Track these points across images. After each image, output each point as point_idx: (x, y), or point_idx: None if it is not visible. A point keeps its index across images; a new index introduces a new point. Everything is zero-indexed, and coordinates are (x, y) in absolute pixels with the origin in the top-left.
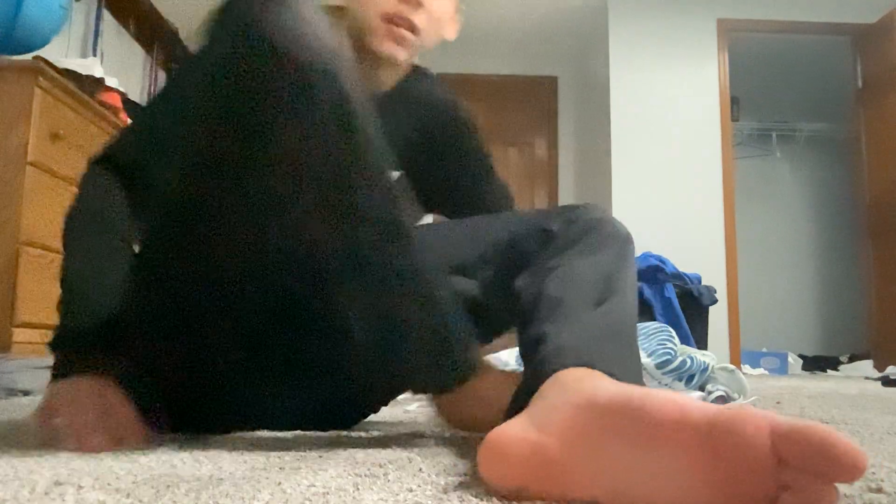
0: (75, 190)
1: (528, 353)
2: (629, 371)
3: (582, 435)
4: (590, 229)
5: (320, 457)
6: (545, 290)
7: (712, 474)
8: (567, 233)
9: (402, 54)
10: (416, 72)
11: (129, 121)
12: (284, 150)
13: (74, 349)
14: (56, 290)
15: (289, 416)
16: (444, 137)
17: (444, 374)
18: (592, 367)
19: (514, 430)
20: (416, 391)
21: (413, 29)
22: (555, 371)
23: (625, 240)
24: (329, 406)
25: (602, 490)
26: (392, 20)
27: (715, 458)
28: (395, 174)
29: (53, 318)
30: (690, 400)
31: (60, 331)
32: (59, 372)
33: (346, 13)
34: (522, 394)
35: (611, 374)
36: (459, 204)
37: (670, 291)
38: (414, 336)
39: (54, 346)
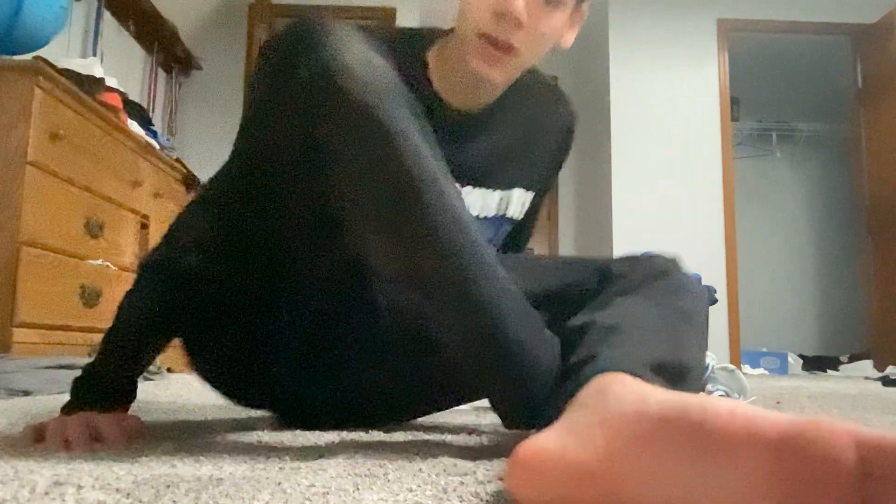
0: (76, 190)
1: (571, 373)
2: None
3: (630, 449)
4: (657, 275)
5: (320, 457)
6: (597, 319)
7: (787, 493)
8: (631, 275)
9: (496, 76)
10: (539, 82)
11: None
12: (338, 183)
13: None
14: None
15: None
16: (552, 160)
17: (513, 411)
18: (640, 377)
19: (550, 443)
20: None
21: (509, 50)
22: (596, 375)
23: (696, 294)
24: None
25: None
26: (486, 40)
27: (791, 476)
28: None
29: (53, 318)
30: (757, 410)
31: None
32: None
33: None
34: (558, 399)
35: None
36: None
37: None
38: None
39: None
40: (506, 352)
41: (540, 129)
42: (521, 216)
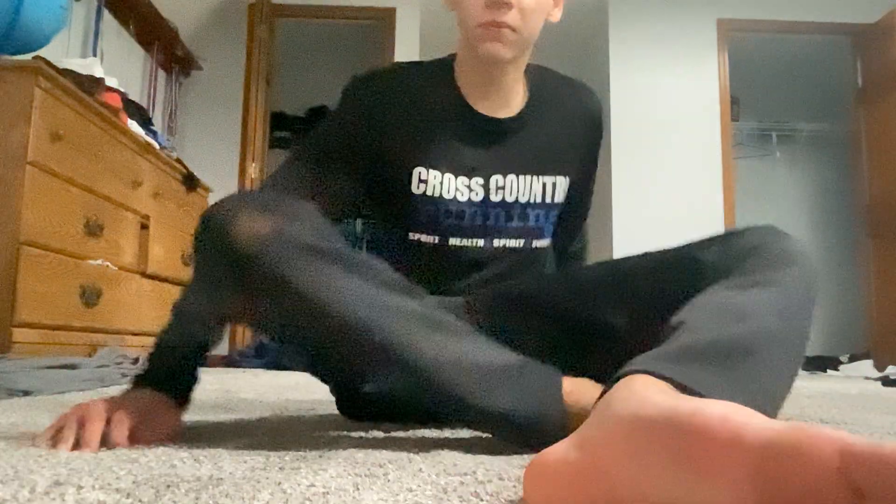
0: (76, 190)
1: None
2: (733, 394)
3: (624, 453)
4: (749, 253)
5: (320, 457)
6: (671, 320)
7: (768, 500)
8: (721, 262)
9: (504, 51)
10: (560, 79)
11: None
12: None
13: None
14: (56, 291)
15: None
16: (592, 148)
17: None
18: (663, 377)
19: (557, 453)
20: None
21: (508, 27)
22: (617, 380)
23: (792, 258)
24: None
25: None
26: (486, 26)
27: (771, 486)
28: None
29: (54, 318)
30: (749, 416)
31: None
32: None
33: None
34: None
35: (686, 388)
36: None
37: None
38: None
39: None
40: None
41: (570, 120)
42: (561, 200)
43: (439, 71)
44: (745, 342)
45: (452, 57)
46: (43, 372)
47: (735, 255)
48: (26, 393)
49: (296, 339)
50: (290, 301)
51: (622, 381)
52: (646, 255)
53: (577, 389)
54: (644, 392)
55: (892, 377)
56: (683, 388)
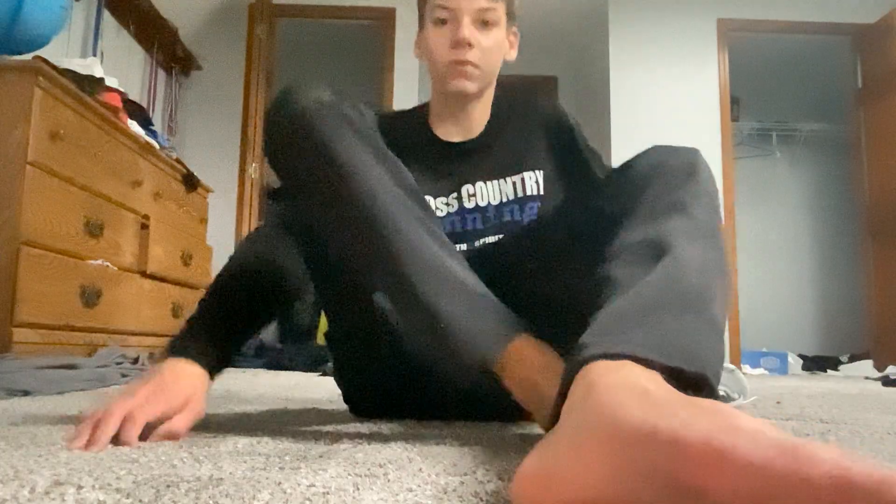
0: (76, 190)
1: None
2: (681, 347)
3: (607, 467)
4: (649, 181)
5: (320, 457)
6: (599, 274)
7: None
8: (628, 199)
9: (470, 86)
10: (518, 95)
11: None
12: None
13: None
14: (56, 291)
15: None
16: (561, 141)
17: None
18: (623, 356)
19: (541, 467)
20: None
21: (471, 64)
22: (579, 368)
23: (687, 173)
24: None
25: None
26: (453, 64)
27: None
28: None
29: (54, 318)
30: (734, 435)
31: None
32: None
33: (430, 72)
34: (558, 397)
35: (648, 362)
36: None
37: None
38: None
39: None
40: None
41: (528, 125)
42: (541, 192)
43: (415, 114)
44: (674, 278)
45: (424, 104)
46: (43, 372)
47: (639, 186)
48: (26, 393)
49: (320, 219)
50: (325, 168)
51: (581, 377)
52: (555, 217)
53: (530, 360)
54: (616, 395)
55: (892, 377)
56: (648, 362)
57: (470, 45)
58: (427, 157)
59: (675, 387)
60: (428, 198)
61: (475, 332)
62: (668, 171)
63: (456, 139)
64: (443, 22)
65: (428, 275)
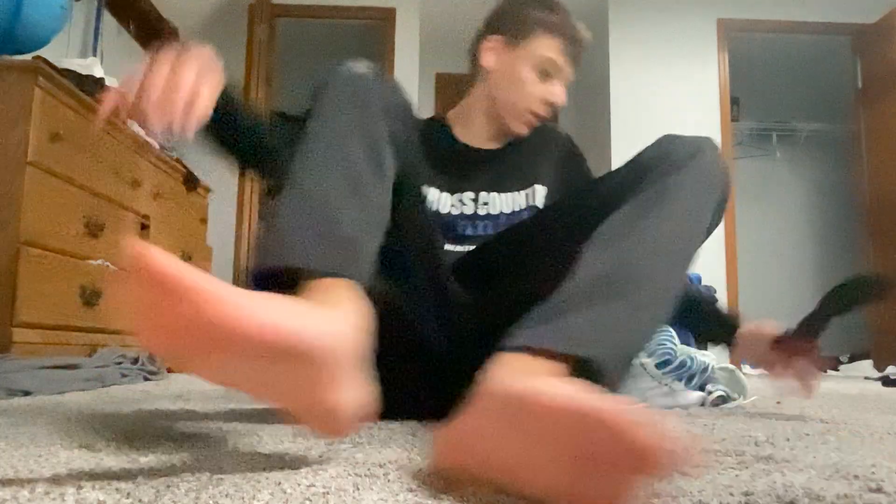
0: (76, 190)
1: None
2: (577, 336)
3: (493, 425)
4: (649, 167)
5: (320, 457)
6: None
7: (579, 461)
8: (624, 186)
9: (527, 131)
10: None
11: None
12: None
13: None
14: (56, 291)
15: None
16: (568, 166)
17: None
18: (528, 349)
19: (457, 424)
20: None
21: (543, 118)
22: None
23: (686, 161)
24: None
25: (495, 470)
26: (532, 114)
27: (580, 445)
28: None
29: (54, 318)
30: (584, 394)
31: None
32: None
33: (495, 92)
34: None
35: (549, 353)
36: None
37: None
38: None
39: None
40: None
41: (543, 141)
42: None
43: (432, 121)
44: (608, 268)
45: (444, 113)
46: (43, 372)
47: (637, 174)
48: (26, 393)
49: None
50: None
51: (496, 359)
52: (555, 211)
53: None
54: (508, 371)
55: (892, 377)
56: (549, 353)
57: (563, 102)
58: (446, 154)
59: (565, 369)
60: (438, 192)
61: (299, 241)
62: (667, 159)
63: (476, 145)
64: (545, 74)
65: (328, 170)
